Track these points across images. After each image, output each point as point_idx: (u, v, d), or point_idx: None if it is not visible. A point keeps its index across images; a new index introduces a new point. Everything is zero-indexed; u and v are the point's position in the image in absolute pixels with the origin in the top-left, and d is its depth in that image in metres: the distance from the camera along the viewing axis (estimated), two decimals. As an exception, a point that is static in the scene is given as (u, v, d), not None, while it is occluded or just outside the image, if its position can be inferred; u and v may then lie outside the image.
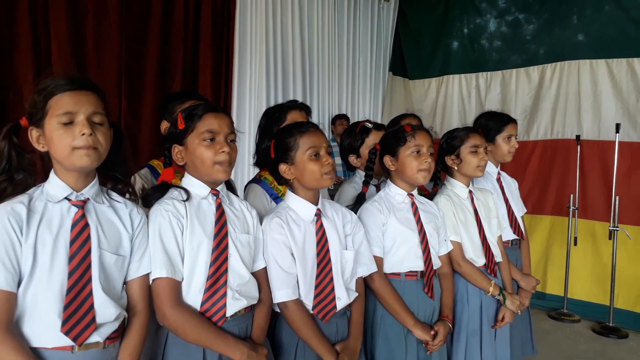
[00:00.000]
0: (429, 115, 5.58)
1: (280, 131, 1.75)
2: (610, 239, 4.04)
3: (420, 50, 5.80)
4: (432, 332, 1.85)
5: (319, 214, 1.68)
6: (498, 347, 2.18)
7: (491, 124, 2.51)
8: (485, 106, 5.06)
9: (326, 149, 1.65)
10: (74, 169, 1.26)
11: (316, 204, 1.68)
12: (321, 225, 1.67)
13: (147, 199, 1.49)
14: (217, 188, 1.53)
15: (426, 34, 5.72)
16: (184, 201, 1.46)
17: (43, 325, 1.19)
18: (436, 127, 5.33)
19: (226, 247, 1.47)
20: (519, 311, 2.18)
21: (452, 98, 5.47)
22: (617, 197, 4.02)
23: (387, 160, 1.95)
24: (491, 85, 5.17)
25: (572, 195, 4.37)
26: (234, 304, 1.45)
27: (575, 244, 4.30)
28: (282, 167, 1.66)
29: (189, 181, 1.52)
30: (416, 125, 2.02)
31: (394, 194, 1.95)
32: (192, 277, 1.42)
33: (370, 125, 2.29)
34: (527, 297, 2.35)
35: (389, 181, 1.99)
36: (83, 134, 1.21)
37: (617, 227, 4.00)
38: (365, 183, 2.02)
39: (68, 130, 1.22)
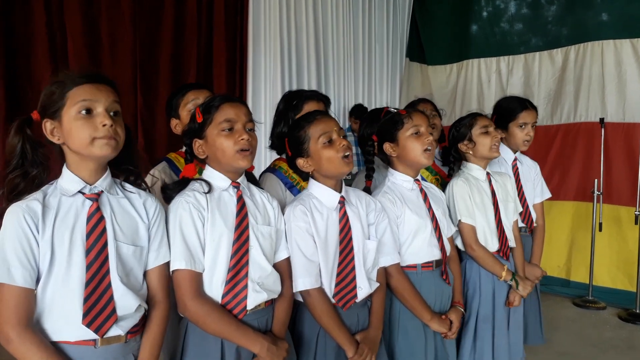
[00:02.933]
0: (450, 100, 5.50)
1: (290, 128, 1.76)
2: (636, 224, 3.93)
3: (438, 35, 5.70)
4: (443, 317, 1.84)
5: (342, 202, 1.66)
6: (511, 333, 2.16)
7: (506, 110, 2.43)
8: (507, 91, 4.95)
9: (338, 133, 1.63)
10: (92, 159, 1.26)
11: (339, 191, 1.67)
12: (345, 213, 1.66)
13: (167, 193, 1.50)
14: (238, 180, 1.53)
15: (444, 18, 5.61)
16: (206, 193, 1.46)
17: (64, 319, 1.20)
18: (456, 113, 5.25)
19: (247, 239, 1.46)
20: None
21: (471, 83, 5.37)
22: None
23: (388, 147, 1.89)
24: (513, 70, 5.06)
25: (596, 180, 4.25)
26: (255, 297, 1.45)
27: (600, 230, 4.19)
28: (300, 162, 1.65)
29: (209, 173, 1.52)
30: (410, 108, 1.98)
31: (401, 181, 1.91)
32: (214, 269, 1.42)
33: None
34: (529, 286, 2.22)
35: (390, 169, 1.94)
36: (104, 125, 1.22)
37: (643, 212, 3.89)
38: (368, 177, 1.96)
39: (88, 121, 1.22)
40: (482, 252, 2.07)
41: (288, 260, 1.60)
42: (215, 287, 1.42)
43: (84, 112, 1.22)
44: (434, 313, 1.82)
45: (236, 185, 1.52)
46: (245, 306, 1.43)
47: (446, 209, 2.01)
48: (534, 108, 2.45)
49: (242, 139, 1.45)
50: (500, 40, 5.19)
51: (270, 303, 1.53)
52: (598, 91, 4.46)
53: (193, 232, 1.40)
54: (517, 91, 4.83)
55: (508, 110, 2.43)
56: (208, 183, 1.49)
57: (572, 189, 4.57)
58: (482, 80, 5.29)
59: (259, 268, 1.48)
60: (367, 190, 1.93)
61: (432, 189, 2.02)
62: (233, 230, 1.45)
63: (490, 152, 2.13)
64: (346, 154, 1.60)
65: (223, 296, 1.42)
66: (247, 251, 1.45)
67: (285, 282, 1.57)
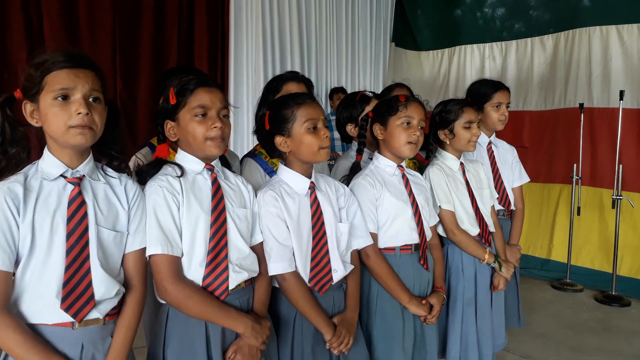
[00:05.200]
0: (442, 86, 5.53)
1: (276, 102, 1.70)
2: (613, 207, 4.00)
3: (426, 20, 5.71)
4: (424, 302, 1.85)
5: (312, 187, 1.66)
6: (493, 317, 2.19)
7: (480, 92, 2.45)
8: (502, 77, 4.96)
9: (324, 122, 1.62)
10: (68, 147, 1.25)
11: (309, 178, 1.66)
12: (315, 198, 1.65)
13: (142, 175, 1.48)
14: (212, 163, 1.52)
15: (432, 3, 5.61)
16: (179, 177, 1.44)
17: (43, 302, 1.19)
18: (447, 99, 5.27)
19: (224, 221, 1.46)
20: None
21: (464, 69, 5.38)
22: (621, 166, 3.97)
23: (377, 128, 1.90)
24: (507, 56, 5.08)
25: (575, 165, 4.32)
26: (235, 277, 1.45)
27: (578, 214, 4.27)
28: (278, 140, 1.62)
29: (182, 157, 1.50)
30: (411, 96, 1.97)
31: (384, 165, 1.92)
32: (192, 253, 1.42)
33: (370, 94, 2.26)
34: (512, 268, 2.28)
35: (376, 153, 1.95)
36: (79, 113, 1.19)
37: (621, 195, 3.96)
38: (359, 151, 1.98)
39: (64, 108, 1.19)
40: (464, 237, 2.08)
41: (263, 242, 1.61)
42: (194, 270, 1.42)
43: (60, 98, 1.19)
44: (412, 295, 1.83)
45: (210, 168, 1.51)
46: (227, 287, 1.43)
47: (429, 197, 2.01)
48: (507, 89, 2.49)
49: (214, 127, 1.43)
50: (491, 27, 5.21)
51: (250, 282, 1.54)
52: (585, 77, 4.52)
53: (168, 217, 1.39)
54: (511, 77, 4.94)
55: (482, 92, 2.45)
56: (180, 167, 1.47)
57: (559, 172, 4.65)
58: (475, 67, 5.31)
59: (237, 250, 1.48)
60: (358, 164, 1.95)
61: (416, 177, 2.03)
62: (209, 213, 1.44)
63: (467, 146, 2.14)
64: (326, 145, 1.60)
65: (204, 278, 1.42)
66: (225, 233, 1.45)
67: (263, 262, 1.58)
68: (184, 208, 1.42)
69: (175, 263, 1.39)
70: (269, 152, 1.74)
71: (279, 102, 1.67)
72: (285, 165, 1.68)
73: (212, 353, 1.41)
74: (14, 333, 1.14)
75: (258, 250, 1.58)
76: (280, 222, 1.59)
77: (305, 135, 1.59)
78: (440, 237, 2.16)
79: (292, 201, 1.62)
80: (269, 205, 1.58)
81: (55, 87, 1.19)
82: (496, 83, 2.50)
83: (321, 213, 1.65)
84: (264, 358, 1.50)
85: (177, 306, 1.39)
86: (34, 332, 1.18)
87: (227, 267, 1.43)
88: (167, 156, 1.55)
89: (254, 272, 1.53)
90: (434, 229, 2.02)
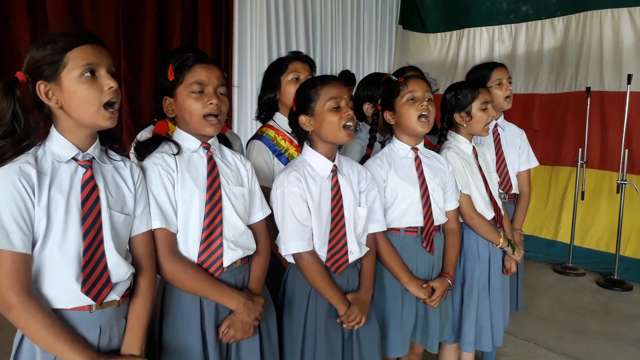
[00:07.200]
0: (450, 69, 5.49)
1: (303, 84, 1.73)
2: (617, 192, 4.00)
3: (432, 3, 5.65)
4: (424, 286, 1.85)
5: (335, 171, 1.68)
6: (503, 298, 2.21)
7: (477, 77, 2.43)
8: (512, 60, 4.95)
9: (347, 101, 1.63)
10: (93, 127, 1.23)
11: (333, 160, 1.68)
12: (337, 181, 1.67)
13: (141, 151, 1.49)
14: (209, 141, 1.53)
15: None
16: (175, 155, 1.46)
17: (61, 286, 1.18)
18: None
19: (220, 199, 1.47)
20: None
21: (473, 51, 5.34)
22: (627, 150, 3.96)
23: (387, 115, 1.91)
24: (517, 38, 5.03)
25: (580, 149, 4.31)
26: (230, 254, 1.47)
27: (582, 199, 4.26)
28: (302, 119, 1.65)
29: (179, 135, 1.51)
30: (410, 75, 1.96)
31: (398, 148, 1.93)
32: (187, 230, 1.44)
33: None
34: (522, 251, 2.30)
35: (393, 137, 1.97)
36: (110, 88, 1.20)
37: (625, 180, 3.95)
38: (370, 145, 1.98)
39: (93, 84, 1.18)
40: (481, 221, 2.08)
41: (263, 221, 1.63)
42: (191, 247, 1.44)
43: (88, 74, 1.18)
44: (412, 276, 1.85)
45: (206, 147, 1.51)
46: (222, 264, 1.45)
47: (447, 180, 1.98)
48: (503, 65, 2.47)
49: (210, 103, 1.44)
50: (499, 9, 5.15)
51: (247, 260, 1.56)
52: (597, 60, 4.48)
53: (163, 194, 1.41)
54: (521, 60, 4.93)
55: (479, 76, 2.43)
56: (177, 144, 1.48)
57: (569, 155, 4.64)
58: (484, 49, 5.26)
59: (233, 227, 1.50)
60: (367, 157, 1.95)
61: (435, 158, 2.00)
62: (205, 190, 1.46)
63: (482, 130, 2.13)
64: (348, 123, 1.61)
65: (199, 255, 1.44)
66: (220, 210, 1.47)
67: (260, 241, 1.60)
68: (178, 185, 1.44)
69: (171, 238, 1.42)
70: (296, 133, 1.77)
71: (305, 83, 1.72)
72: (309, 146, 1.70)
73: (206, 328, 1.45)
74: (43, 317, 1.13)
75: (256, 228, 1.61)
76: (302, 202, 1.62)
77: (327, 113, 1.62)
78: None
79: (314, 183, 1.65)
80: (292, 185, 1.61)
81: (82, 62, 1.17)
82: (489, 63, 2.50)
83: (341, 196, 1.68)
84: (257, 333, 1.53)
85: (171, 281, 1.43)
86: (58, 317, 1.17)
87: (221, 244, 1.46)
88: (166, 132, 1.56)
89: (250, 250, 1.56)
90: (451, 213, 2.00)
